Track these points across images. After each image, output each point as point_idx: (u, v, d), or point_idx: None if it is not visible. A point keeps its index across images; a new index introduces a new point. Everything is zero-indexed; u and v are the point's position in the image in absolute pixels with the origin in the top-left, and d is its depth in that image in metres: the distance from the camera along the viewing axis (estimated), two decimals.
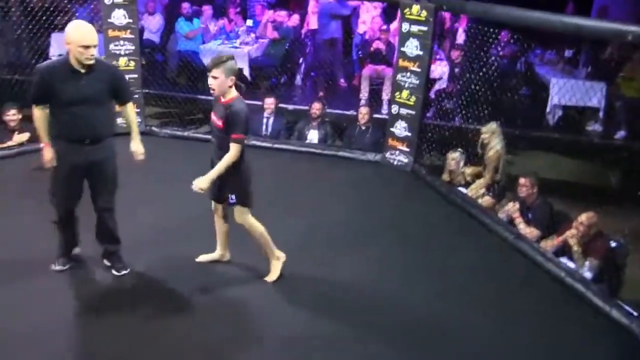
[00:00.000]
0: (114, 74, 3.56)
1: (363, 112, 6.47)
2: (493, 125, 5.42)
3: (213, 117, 3.52)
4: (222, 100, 3.44)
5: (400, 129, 5.98)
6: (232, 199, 3.62)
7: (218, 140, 3.52)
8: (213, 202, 3.80)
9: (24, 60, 8.03)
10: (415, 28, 5.65)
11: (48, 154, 3.46)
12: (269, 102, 6.65)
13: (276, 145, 6.39)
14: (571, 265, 4.21)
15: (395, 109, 6.00)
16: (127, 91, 3.72)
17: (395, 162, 6.06)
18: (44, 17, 6.91)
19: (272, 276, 3.83)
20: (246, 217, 3.69)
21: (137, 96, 6.20)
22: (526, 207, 4.83)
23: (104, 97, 3.47)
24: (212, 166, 3.53)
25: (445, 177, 5.73)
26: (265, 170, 5.74)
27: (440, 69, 7.18)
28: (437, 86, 7.27)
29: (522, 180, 4.83)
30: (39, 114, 3.43)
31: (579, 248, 4.20)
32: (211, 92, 3.46)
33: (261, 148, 6.34)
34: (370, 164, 6.12)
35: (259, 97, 7.05)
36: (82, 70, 3.34)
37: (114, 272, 3.78)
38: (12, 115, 5.85)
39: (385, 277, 4.03)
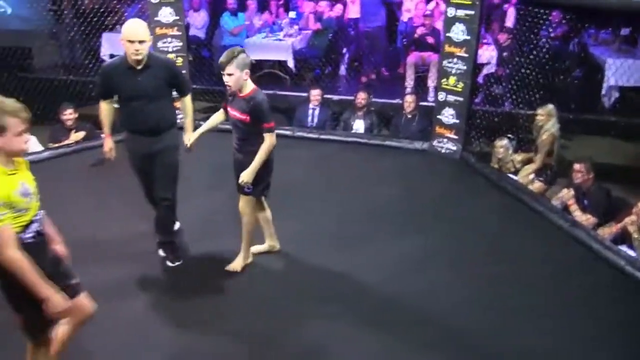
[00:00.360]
0: (169, 69, 3.63)
1: (409, 100, 6.40)
2: (549, 107, 5.28)
3: (233, 112, 3.47)
4: (241, 94, 3.41)
5: (447, 116, 5.88)
6: (248, 188, 3.52)
7: (242, 134, 3.49)
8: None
9: (77, 61, 8.33)
10: (461, 12, 5.51)
11: (107, 144, 3.71)
12: (315, 94, 6.66)
13: (322, 136, 6.39)
14: (631, 253, 4.05)
15: (442, 96, 5.89)
16: (184, 84, 3.77)
17: (443, 150, 5.97)
18: (95, 19, 7.14)
19: (235, 266, 3.79)
20: (249, 208, 3.65)
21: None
22: (582, 193, 4.67)
23: (161, 92, 3.57)
24: (235, 162, 3.58)
25: (494, 164, 5.61)
26: (312, 161, 5.81)
27: (488, 54, 7.00)
28: (485, 71, 7.10)
29: (577, 166, 4.67)
30: (103, 107, 3.68)
31: (639, 235, 4.03)
32: (228, 89, 3.43)
33: (307, 139, 6.38)
34: (418, 153, 6.04)
35: (304, 89, 7.08)
36: (138, 67, 3.46)
37: (168, 263, 3.88)
38: (69, 115, 6.09)
39: (434, 262, 4.00)
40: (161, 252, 3.92)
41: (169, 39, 6.42)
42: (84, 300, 2.53)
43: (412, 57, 7.31)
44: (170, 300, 3.56)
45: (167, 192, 3.73)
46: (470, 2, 5.41)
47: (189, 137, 3.76)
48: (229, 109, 3.53)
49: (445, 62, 5.78)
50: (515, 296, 3.63)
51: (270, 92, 7.26)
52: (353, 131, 6.54)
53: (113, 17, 7.64)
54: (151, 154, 3.64)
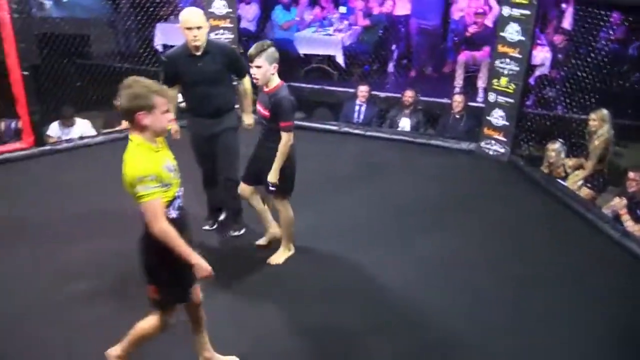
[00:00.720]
0: (227, 54, 3.77)
1: (457, 100, 6.31)
2: (603, 112, 5.12)
3: (258, 106, 3.52)
4: (266, 89, 3.42)
5: (497, 117, 5.77)
6: (273, 187, 3.52)
7: (263, 128, 3.55)
8: (242, 184, 3.76)
9: (132, 49, 8.56)
10: (516, 12, 5.39)
11: (173, 128, 3.84)
12: (363, 90, 6.65)
13: (368, 133, 6.38)
14: None
15: (492, 96, 5.78)
16: (242, 67, 3.87)
17: (490, 152, 5.86)
18: (151, 9, 7.31)
19: (277, 259, 3.82)
20: (282, 206, 3.67)
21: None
22: (635, 202, 4.50)
23: (221, 76, 3.73)
24: (254, 154, 3.66)
25: (545, 168, 5.48)
26: (356, 157, 5.82)
27: (542, 55, 6.81)
28: (537, 73, 6.91)
29: (631, 174, 4.51)
30: (171, 93, 3.80)
31: None
32: (255, 82, 3.45)
33: (353, 135, 6.39)
34: (464, 153, 5.96)
35: (352, 84, 7.07)
36: (197, 53, 3.62)
37: (231, 232, 4.14)
38: None
39: (475, 263, 3.94)
40: (224, 226, 4.19)
41: (221, 31, 6.53)
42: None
43: (463, 56, 7.19)
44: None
45: (230, 172, 3.91)
46: (527, 2, 5.29)
47: (249, 118, 3.95)
48: (257, 104, 3.58)
49: (497, 62, 5.66)
50: (556, 308, 3.53)
51: (318, 86, 7.32)
52: (399, 129, 6.50)
53: (168, 8, 7.82)
54: (212, 135, 3.82)
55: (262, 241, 4.02)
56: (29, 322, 3.22)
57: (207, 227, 4.24)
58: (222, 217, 4.30)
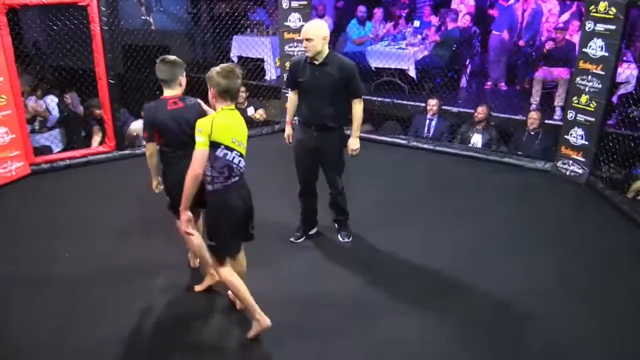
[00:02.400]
0: (345, 70, 3.78)
1: (533, 117, 6.09)
2: None
3: None
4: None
5: (576, 136, 5.52)
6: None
7: None
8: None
9: (209, 61, 8.89)
10: (601, 27, 5.16)
11: (287, 131, 4.09)
12: (432, 104, 6.57)
13: (438, 148, 6.29)
14: None
15: (571, 114, 5.54)
16: (357, 88, 3.86)
17: (567, 173, 5.61)
18: (229, 22, 7.56)
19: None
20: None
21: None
22: None
23: (333, 90, 3.77)
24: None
25: (631, 194, 5.16)
26: (426, 173, 5.73)
27: (627, 72, 6.46)
28: (621, 90, 6.56)
29: None
30: (290, 97, 4.04)
31: None
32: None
33: (422, 149, 6.31)
34: (539, 173, 5.74)
35: (423, 99, 7.00)
36: (316, 63, 3.73)
37: (339, 237, 4.29)
38: None
39: (546, 291, 3.74)
40: (336, 226, 4.34)
41: (295, 44, 6.65)
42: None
43: (541, 72, 6.95)
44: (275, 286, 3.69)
45: (334, 186, 4.08)
46: (612, 16, 5.05)
47: (354, 142, 3.97)
48: None
49: (578, 79, 5.43)
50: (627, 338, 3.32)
51: (388, 100, 7.29)
52: (470, 145, 6.36)
53: (245, 22, 8.07)
54: (317, 148, 3.92)
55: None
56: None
57: (292, 240, 4.28)
58: (313, 232, 4.35)
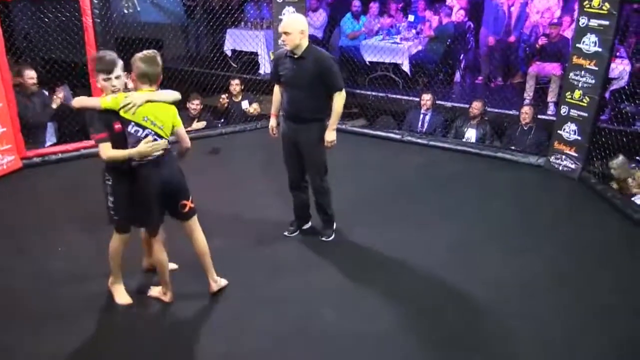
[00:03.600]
0: (320, 64, 3.75)
1: (526, 111, 6.11)
2: None
3: None
4: None
5: (569, 131, 5.54)
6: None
7: None
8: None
9: (202, 54, 8.84)
10: (594, 22, 5.17)
11: (271, 122, 4.12)
12: (426, 98, 6.57)
13: (431, 142, 6.29)
14: None
15: (564, 110, 5.56)
16: (332, 82, 3.80)
17: (560, 168, 5.63)
18: (223, 15, 7.52)
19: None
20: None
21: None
22: None
23: (310, 83, 3.76)
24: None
25: (614, 184, 5.20)
26: (420, 168, 5.74)
27: (620, 68, 6.49)
28: (614, 86, 6.58)
29: None
30: (275, 90, 4.10)
31: None
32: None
33: (416, 144, 6.32)
34: (532, 168, 5.76)
35: (417, 93, 7.01)
36: (295, 56, 3.75)
37: (320, 237, 4.24)
38: (196, 105, 6.49)
39: (538, 285, 3.75)
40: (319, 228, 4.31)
41: None
42: None
43: (534, 68, 6.97)
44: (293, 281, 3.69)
45: (315, 182, 4.06)
46: (606, 12, 5.06)
47: (329, 134, 3.91)
48: None
49: (571, 75, 5.45)
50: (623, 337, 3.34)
51: (382, 94, 7.29)
52: (464, 140, 6.37)
53: (239, 15, 8.02)
54: (296, 141, 3.92)
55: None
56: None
57: (286, 234, 4.28)
58: (307, 226, 4.35)
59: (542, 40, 6.96)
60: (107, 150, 3.08)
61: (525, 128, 6.15)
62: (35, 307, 3.42)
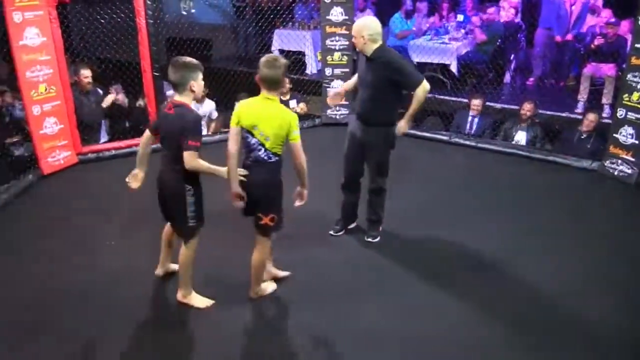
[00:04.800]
0: (388, 65, 3.71)
1: (590, 119, 5.83)
2: None
3: None
4: None
5: (625, 135, 5.33)
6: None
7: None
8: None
9: (250, 54, 8.96)
10: None
11: (337, 90, 4.29)
12: (476, 104, 6.46)
13: (480, 145, 6.18)
14: None
15: (621, 112, 5.36)
16: (407, 81, 3.75)
17: (616, 172, 5.42)
18: (272, 16, 7.59)
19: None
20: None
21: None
22: None
23: (377, 86, 3.78)
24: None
25: None
26: (467, 169, 5.65)
27: None
28: None
29: None
30: (353, 79, 4.16)
31: None
32: None
33: (464, 146, 6.22)
34: (585, 172, 5.57)
35: (465, 94, 6.89)
36: (368, 56, 3.78)
37: (365, 237, 4.21)
38: None
39: (588, 291, 3.63)
40: (366, 227, 4.28)
41: (337, 37, 6.64)
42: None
43: (589, 69, 6.73)
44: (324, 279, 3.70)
45: (375, 184, 4.07)
46: None
47: (401, 124, 3.88)
48: None
49: (629, 76, 5.24)
50: None
51: (430, 95, 7.17)
52: (513, 142, 6.22)
53: (287, 15, 8.08)
54: (364, 142, 3.94)
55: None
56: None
57: (332, 232, 4.29)
58: (352, 225, 4.35)
59: (598, 40, 6.72)
60: (196, 159, 3.00)
61: (584, 136, 5.90)
62: (84, 295, 3.55)
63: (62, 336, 3.19)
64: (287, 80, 6.98)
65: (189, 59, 3.10)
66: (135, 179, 3.39)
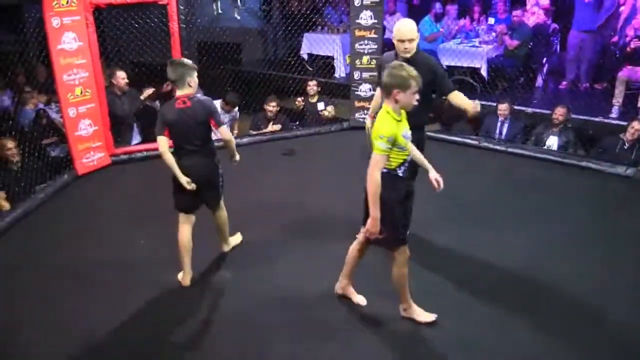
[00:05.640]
0: (432, 69, 3.72)
1: (635, 127, 5.56)
2: None
3: None
4: None
5: None
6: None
7: None
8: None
9: (280, 58, 9.04)
10: None
11: (367, 123, 4.04)
12: (503, 108, 6.38)
13: (510, 149, 6.09)
14: None
15: None
16: (443, 85, 3.81)
17: None
18: (302, 19, 7.64)
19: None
20: None
21: (375, 93, 6.53)
22: None
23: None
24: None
25: None
26: (497, 174, 5.58)
27: None
28: None
29: None
30: (376, 94, 4.08)
31: None
32: None
33: (493, 151, 6.14)
34: (620, 178, 5.43)
35: (495, 98, 6.81)
36: (409, 60, 3.68)
37: None
38: (272, 107, 6.64)
39: (619, 297, 3.54)
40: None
41: (366, 41, 6.64)
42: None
43: (625, 72, 6.57)
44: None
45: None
46: None
47: (473, 105, 3.88)
48: None
49: None
50: None
51: None
52: (545, 147, 6.11)
53: (317, 19, 8.11)
54: None
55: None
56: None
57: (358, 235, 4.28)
58: None
59: (634, 43, 6.55)
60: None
61: (627, 145, 5.65)
62: (115, 291, 3.64)
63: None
64: (315, 82, 7.01)
65: (184, 59, 3.55)
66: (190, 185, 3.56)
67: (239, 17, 7.28)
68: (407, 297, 3.31)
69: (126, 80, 6.15)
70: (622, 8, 7.20)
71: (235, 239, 4.19)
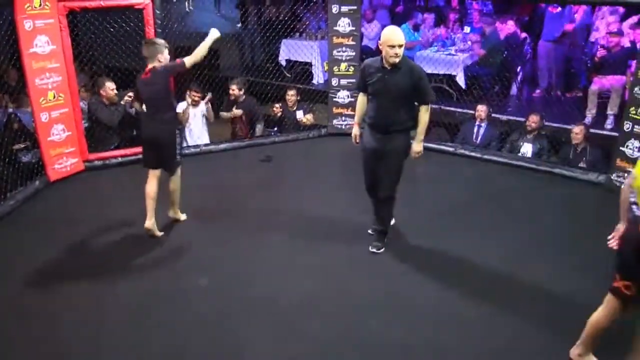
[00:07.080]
0: (416, 75, 3.79)
1: (576, 132, 5.80)
2: None
3: None
4: None
5: (632, 148, 5.30)
6: None
7: None
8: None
9: (257, 63, 9.00)
10: None
11: (354, 131, 4.20)
12: (481, 109, 6.44)
13: (485, 156, 6.16)
14: None
15: (627, 126, 5.33)
16: (423, 94, 3.87)
17: (623, 186, 5.38)
18: (279, 26, 7.63)
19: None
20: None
21: (353, 99, 6.56)
22: None
23: (402, 94, 3.80)
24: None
25: None
26: (473, 182, 5.63)
27: None
28: None
29: None
30: (360, 99, 4.13)
31: None
32: None
33: (469, 157, 6.20)
34: (592, 185, 5.54)
35: (471, 106, 6.89)
36: (388, 67, 3.75)
37: (370, 247, 4.20)
38: (232, 90, 6.60)
39: (591, 304, 3.55)
40: (370, 232, 4.33)
41: (344, 48, 6.66)
42: None
43: (596, 84, 6.69)
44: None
45: (387, 192, 4.05)
46: None
47: (417, 145, 3.97)
48: None
49: (636, 89, 5.23)
50: None
51: (435, 106, 7.19)
52: (520, 154, 6.20)
53: (295, 25, 8.10)
54: (380, 151, 3.94)
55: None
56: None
57: (370, 231, 4.35)
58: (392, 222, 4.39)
59: (600, 52, 6.69)
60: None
61: (579, 150, 5.87)
62: (86, 299, 3.56)
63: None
64: (294, 91, 6.99)
65: (157, 39, 4.33)
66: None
67: (187, 10, 7.31)
68: (589, 345, 2.96)
69: (115, 92, 6.02)
70: (575, 15, 7.37)
71: (181, 215, 4.59)
